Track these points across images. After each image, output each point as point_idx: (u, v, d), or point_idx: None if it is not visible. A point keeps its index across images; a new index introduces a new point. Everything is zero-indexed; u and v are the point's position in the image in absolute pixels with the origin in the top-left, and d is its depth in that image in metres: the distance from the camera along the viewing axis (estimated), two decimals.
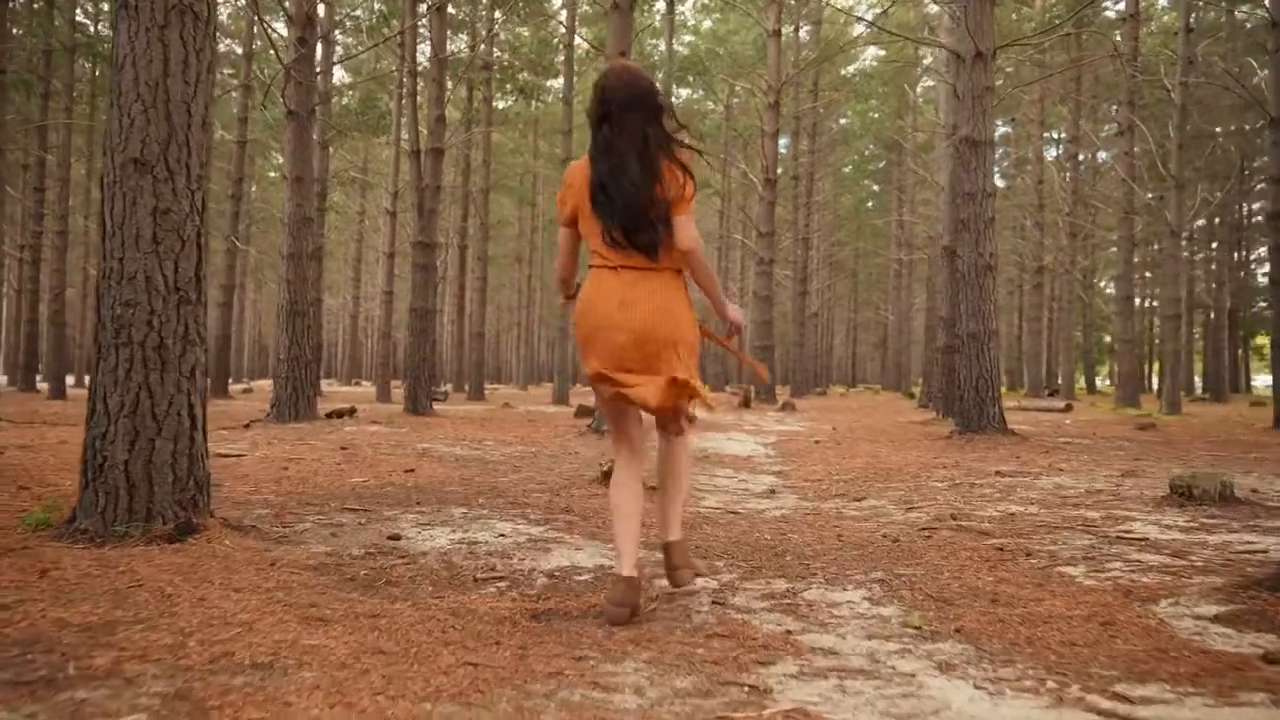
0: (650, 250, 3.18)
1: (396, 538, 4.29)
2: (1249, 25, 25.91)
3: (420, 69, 18.20)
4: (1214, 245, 45.86)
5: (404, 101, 19.16)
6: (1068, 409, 20.88)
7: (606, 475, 6.26)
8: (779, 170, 27.64)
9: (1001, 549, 4.17)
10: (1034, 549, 4.15)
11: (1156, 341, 47.88)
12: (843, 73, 42.62)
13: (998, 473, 7.02)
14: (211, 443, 9.81)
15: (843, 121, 46.62)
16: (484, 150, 27.66)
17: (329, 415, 13.22)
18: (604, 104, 3.22)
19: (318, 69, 14.73)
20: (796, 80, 31.92)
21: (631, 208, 3.14)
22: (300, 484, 6.23)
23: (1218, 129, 34.68)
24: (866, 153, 51.72)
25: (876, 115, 44.93)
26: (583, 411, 14.40)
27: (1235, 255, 48.64)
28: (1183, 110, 20.45)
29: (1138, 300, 52.19)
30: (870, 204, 55.11)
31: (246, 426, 11.51)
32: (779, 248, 33.44)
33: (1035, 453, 9.16)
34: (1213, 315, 35.38)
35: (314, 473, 6.92)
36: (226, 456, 8.19)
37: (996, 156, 19.76)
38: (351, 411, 13.77)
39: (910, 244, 39.09)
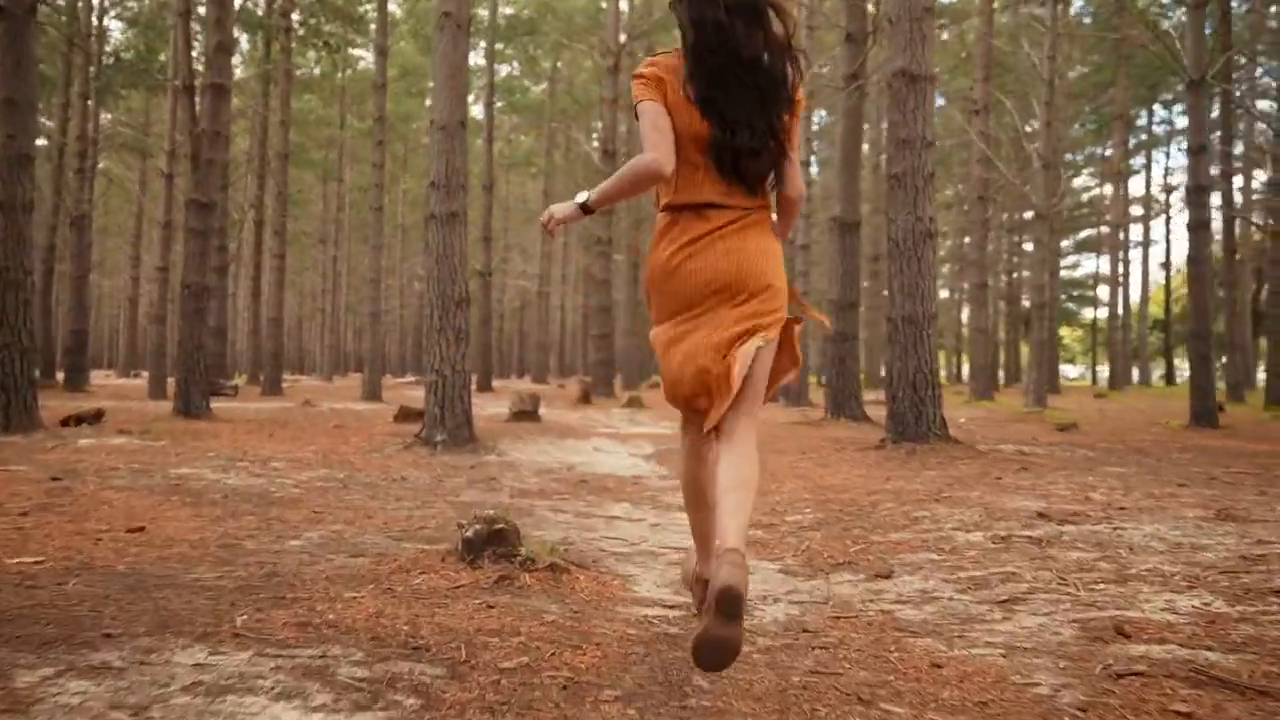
0: (759, 183, 2.63)
1: None
2: None
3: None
4: (1018, 237, 46.76)
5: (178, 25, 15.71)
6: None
7: (470, 545, 3.68)
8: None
9: None
10: None
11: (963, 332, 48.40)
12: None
13: (1041, 515, 4.83)
14: None
15: None
16: (281, 110, 24.13)
17: (64, 421, 10.02)
18: None
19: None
20: (631, 50, 29.63)
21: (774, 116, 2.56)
22: None
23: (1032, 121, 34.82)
24: None
25: None
26: (406, 414, 11.55)
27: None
28: (1050, 85, 19.26)
29: (948, 291, 52.73)
30: None
31: None
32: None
33: (1010, 472, 7.10)
34: (1045, 306, 35.27)
35: None
36: None
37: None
38: (98, 416, 10.55)
39: None
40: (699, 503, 2.77)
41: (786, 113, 2.59)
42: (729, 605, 2.17)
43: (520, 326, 61.63)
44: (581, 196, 2.66)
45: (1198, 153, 12.12)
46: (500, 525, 3.69)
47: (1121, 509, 4.98)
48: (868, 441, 9.08)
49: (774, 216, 2.76)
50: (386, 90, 20.29)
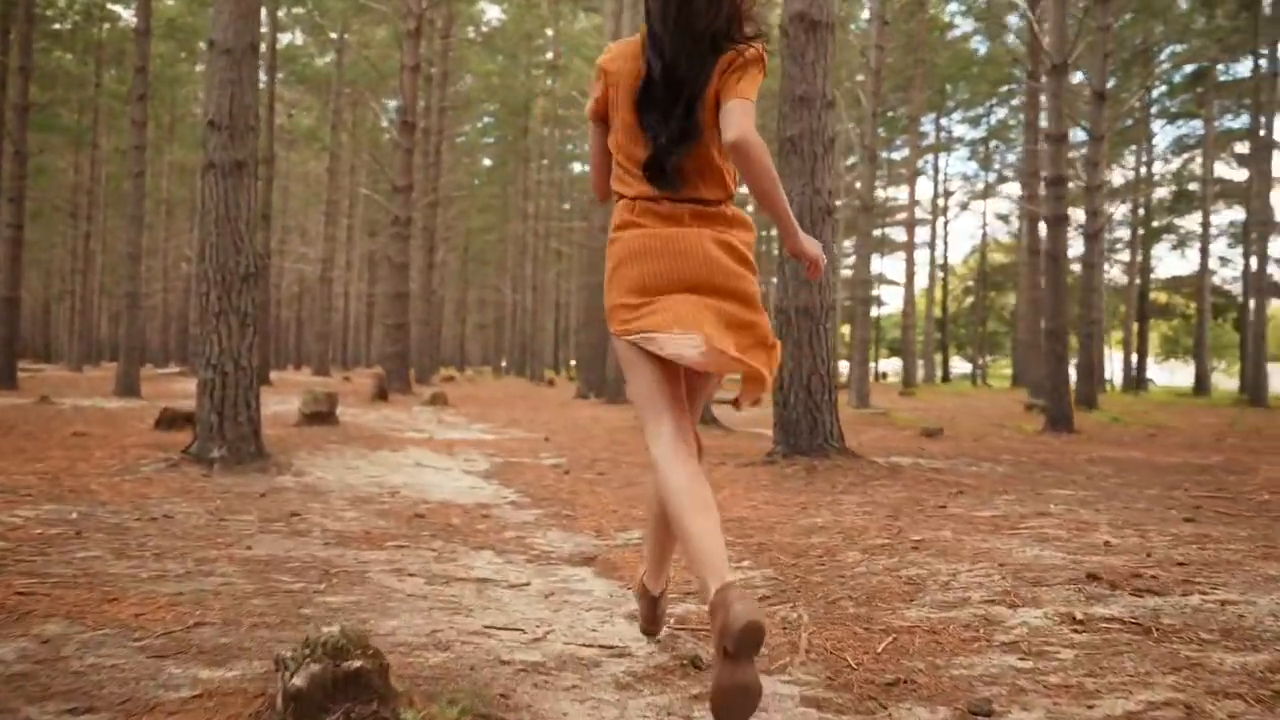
0: (673, 183, 2.34)
1: None
2: None
3: None
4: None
5: None
6: (756, 403, 18.54)
7: (302, 703, 1.99)
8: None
9: None
10: None
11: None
12: (471, 32, 38.60)
13: (1092, 577, 3.53)
14: None
15: (457, 88, 42.54)
16: (20, 56, 20.69)
17: None
18: None
19: None
20: (431, 17, 27.46)
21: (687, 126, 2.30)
22: None
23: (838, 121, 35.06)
24: (481, 124, 48.35)
25: (498, 80, 41.23)
26: (171, 419, 9.27)
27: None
28: (877, 75, 18.68)
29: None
30: (479, 180, 51.76)
31: None
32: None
33: (948, 497, 5.89)
34: (866, 302, 35.53)
35: None
36: None
37: None
38: None
39: (546, 217, 36.01)
40: (702, 508, 2.26)
41: (713, 82, 2.30)
42: (750, 644, 1.98)
43: (299, 314, 57.70)
44: None
45: (1059, 140, 11.47)
46: (357, 663, 2.02)
47: (1180, 564, 3.77)
48: (749, 454, 7.74)
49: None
50: (150, 37, 17.52)
